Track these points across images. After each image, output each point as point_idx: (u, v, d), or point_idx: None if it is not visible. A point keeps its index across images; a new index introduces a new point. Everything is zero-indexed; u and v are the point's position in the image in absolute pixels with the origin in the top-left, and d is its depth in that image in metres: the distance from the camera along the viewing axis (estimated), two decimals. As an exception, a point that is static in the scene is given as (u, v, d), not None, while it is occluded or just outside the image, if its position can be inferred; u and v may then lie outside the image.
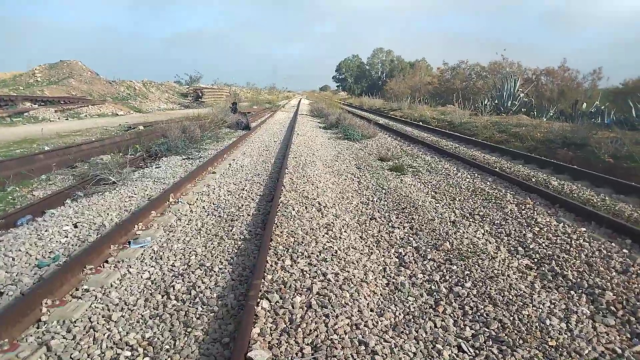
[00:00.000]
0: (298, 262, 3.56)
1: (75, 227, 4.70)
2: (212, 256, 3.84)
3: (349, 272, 3.47)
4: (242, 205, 5.43)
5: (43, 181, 7.12)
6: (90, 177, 6.93)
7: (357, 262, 3.72)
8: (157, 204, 5.20)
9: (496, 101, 23.43)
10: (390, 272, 3.58)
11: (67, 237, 4.39)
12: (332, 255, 3.79)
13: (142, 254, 3.92)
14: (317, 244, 4.04)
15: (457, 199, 5.89)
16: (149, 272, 3.56)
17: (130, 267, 3.63)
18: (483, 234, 4.53)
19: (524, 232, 4.53)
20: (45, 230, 4.52)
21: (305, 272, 3.39)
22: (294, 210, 5.14)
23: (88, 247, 4.00)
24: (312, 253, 3.79)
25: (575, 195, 6.01)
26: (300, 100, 55.63)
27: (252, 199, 5.76)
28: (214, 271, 3.51)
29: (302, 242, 4.05)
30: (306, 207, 5.29)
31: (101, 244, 3.81)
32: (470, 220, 5.01)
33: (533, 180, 6.80)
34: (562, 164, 7.64)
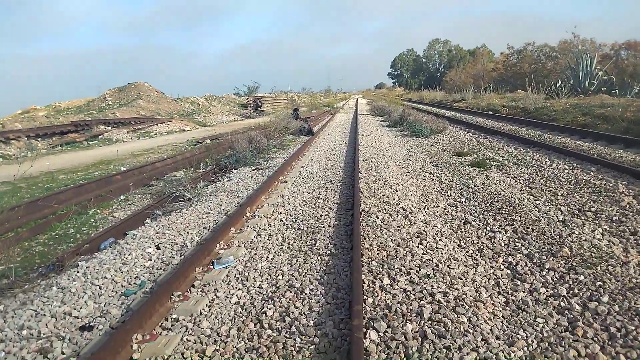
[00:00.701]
0: (398, 281, 3.18)
1: (158, 248, 4.62)
2: (300, 275, 3.55)
3: (458, 289, 3.03)
4: (322, 216, 5.13)
5: (122, 202, 7.25)
6: (167, 195, 6.95)
7: (464, 276, 3.26)
8: (235, 219, 5.03)
9: (571, 82, 21.69)
10: (506, 288, 3.09)
11: (150, 259, 4.30)
12: (433, 269, 3.37)
13: (227, 276, 3.71)
14: (414, 257, 3.63)
15: (560, 194, 5.23)
16: (237, 295, 3.33)
17: (217, 291, 3.42)
18: (603, 235, 3.90)
19: (654, 230, 3.85)
20: (129, 254, 4.46)
21: (409, 293, 2.99)
22: (378, 218, 4.76)
23: (173, 271, 3.86)
24: (410, 268, 3.39)
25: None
26: (357, 100, 55.14)
27: (330, 208, 5.45)
28: (306, 293, 3.20)
29: (397, 256, 3.66)
30: (390, 214, 4.89)
31: (186, 268, 3.64)
32: (583, 218, 4.36)
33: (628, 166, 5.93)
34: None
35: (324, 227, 4.71)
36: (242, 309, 3.11)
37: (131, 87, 28.44)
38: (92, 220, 6.22)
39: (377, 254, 3.73)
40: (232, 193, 6.90)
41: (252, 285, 3.49)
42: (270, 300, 3.18)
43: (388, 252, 3.75)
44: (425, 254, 3.68)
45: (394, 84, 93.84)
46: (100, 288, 3.69)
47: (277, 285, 3.41)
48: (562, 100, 17.56)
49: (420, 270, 3.34)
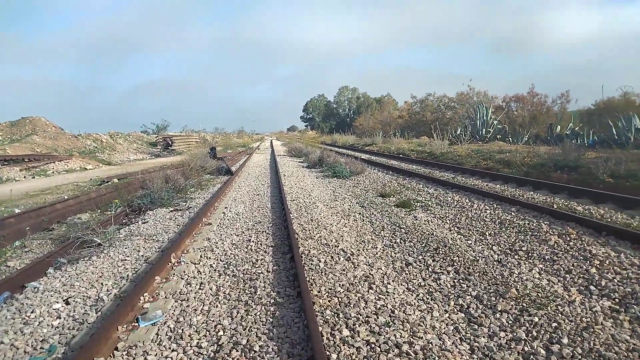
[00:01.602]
0: (358, 331, 2.93)
1: (67, 303, 3.94)
2: (244, 329, 3.16)
3: (421, 338, 2.86)
4: (257, 260, 4.77)
5: (17, 248, 6.26)
6: (72, 240, 6.13)
7: (423, 322, 3.11)
8: (159, 267, 4.49)
9: (470, 130, 23.67)
10: (466, 333, 2.98)
11: (59, 317, 3.63)
12: (390, 317, 3.18)
13: (157, 334, 3.21)
14: (367, 303, 3.43)
15: (487, 234, 5.41)
16: (171, 358, 2.86)
17: (147, 353, 2.92)
18: (540, 274, 4.02)
19: (584, 267, 4.05)
20: (31, 312, 3.75)
21: (373, 345, 2.76)
22: (320, 261, 4.53)
23: (90, 331, 3.27)
24: (367, 316, 3.17)
25: (610, 219, 5.64)
26: (271, 142, 55.41)
27: (265, 252, 5.11)
28: (255, 351, 2.83)
29: (349, 303, 3.43)
30: (332, 257, 4.69)
31: (107, 327, 3.08)
32: (517, 257, 4.50)
33: (554, 207, 6.40)
34: (579, 188, 7.32)
35: (262, 272, 4.36)
36: (182, 375, 2.66)
37: (25, 121, 25.89)
38: (-21, 271, 5.25)
39: (329, 301, 3.47)
40: (150, 237, 6.27)
41: (189, 344, 3.04)
42: (214, 362, 2.77)
43: (340, 299, 3.51)
44: (378, 300, 3.49)
45: (306, 127, 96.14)
46: (-6, 357, 3.00)
47: (219, 344, 2.99)
48: (464, 146, 19.00)
49: (378, 318, 3.13)
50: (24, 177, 16.01)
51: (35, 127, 25.24)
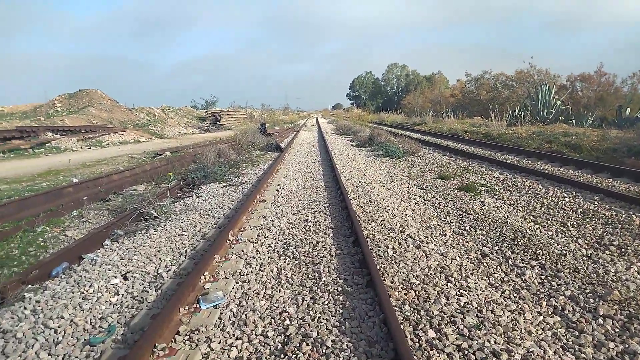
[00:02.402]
0: (445, 333, 2.60)
1: (126, 279, 3.83)
2: (312, 320, 2.90)
3: (519, 345, 2.49)
4: (318, 242, 4.50)
5: (75, 218, 6.31)
6: (129, 212, 6.10)
7: (516, 326, 2.74)
8: (217, 245, 4.30)
9: (530, 110, 22.33)
10: (567, 341, 2.59)
11: (118, 293, 3.51)
12: (477, 317, 2.83)
13: (219, 319, 3.01)
14: (449, 299, 3.08)
15: (570, 225, 4.89)
16: (237, 347, 2.64)
17: (210, 340, 2.71)
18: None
19: (696, 269, 3.51)
20: (90, 286, 3.65)
21: (466, 352, 2.42)
22: (388, 248, 4.20)
23: (150, 311, 3.11)
24: (452, 316, 2.82)
25: None
26: (317, 119, 55.09)
27: (325, 233, 4.84)
28: (327, 347, 2.56)
29: (429, 298, 3.09)
30: (400, 244, 4.35)
31: (169, 309, 2.90)
32: (608, 253, 3.99)
33: (633, 196, 5.72)
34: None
35: (325, 256, 4.09)
36: (249, 370, 2.43)
37: (82, 93, 26.77)
38: (41, 239, 5.29)
39: (406, 295, 3.15)
40: (206, 212, 6.15)
41: (254, 332, 2.81)
42: (282, 356, 2.52)
43: (417, 293, 3.18)
44: (460, 296, 3.14)
45: (352, 104, 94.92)
46: (56, 332, 2.89)
47: (287, 334, 2.74)
48: (525, 127, 17.92)
49: (464, 318, 2.78)
50: (81, 147, 16.53)
51: (92, 100, 26.05)
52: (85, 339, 2.79)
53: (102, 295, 3.47)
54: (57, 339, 2.81)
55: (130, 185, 8.64)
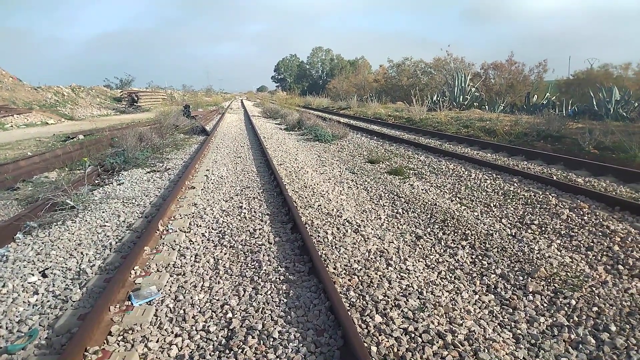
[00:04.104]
0: (391, 317, 2.62)
1: (45, 276, 3.48)
2: (256, 311, 2.80)
3: (462, 325, 2.58)
4: (255, 230, 4.39)
5: (-22, 210, 5.63)
6: (41, 202, 5.55)
7: (455, 307, 2.83)
8: (147, 236, 4.04)
9: (446, 97, 23.49)
10: (503, 319, 2.73)
11: (37, 293, 3.18)
12: (419, 299, 2.89)
13: (155, 315, 2.82)
14: (391, 283, 3.12)
15: (493, 205, 5.19)
16: (177, 346, 2.49)
17: (147, 340, 2.53)
18: (560, 250, 3.81)
19: (605, 244, 3.86)
20: (3, 285, 3.28)
21: (413, 335, 2.45)
22: (327, 234, 4.18)
23: (76, 312, 2.84)
24: (396, 299, 2.86)
25: (616, 192, 5.51)
26: (242, 102, 53.94)
27: (262, 220, 4.73)
28: (275, 338, 2.49)
29: (372, 283, 3.11)
30: (338, 229, 4.35)
31: (97, 308, 2.66)
32: (530, 232, 4.29)
33: (554, 178, 6.21)
34: (575, 159, 7.14)
35: (263, 244, 3.98)
36: (192, 370, 2.30)
37: (-22, 69, 23.91)
38: None
39: (349, 280, 3.15)
40: (129, 200, 5.77)
41: (194, 327, 2.67)
42: (227, 351, 2.41)
43: (360, 278, 3.19)
44: (401, 279, 3.19)
45: (277, 87, 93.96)
46: (-37, 343, 2.55)
47: (231, 328, 2.63)
48: (443, 113, 18.81)
49: (407, 301, 2.83)
50: (-21, 130, 14.82)
51: (-10, 77, 23.37)
52: (1, 347, 2.49)
53: (19, 295, 3.13)
54: (-34, 349, 2.47)
55: (40, 172, 7.88)
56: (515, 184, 6.00)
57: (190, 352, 2.43)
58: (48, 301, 3.05)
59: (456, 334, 2.45)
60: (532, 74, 24.94)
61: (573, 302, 2.89)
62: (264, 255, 3.73)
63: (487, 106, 21.80)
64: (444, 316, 2.68)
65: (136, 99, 32.62)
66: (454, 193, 5.86)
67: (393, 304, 2.78)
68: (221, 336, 2.56)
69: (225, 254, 3.83)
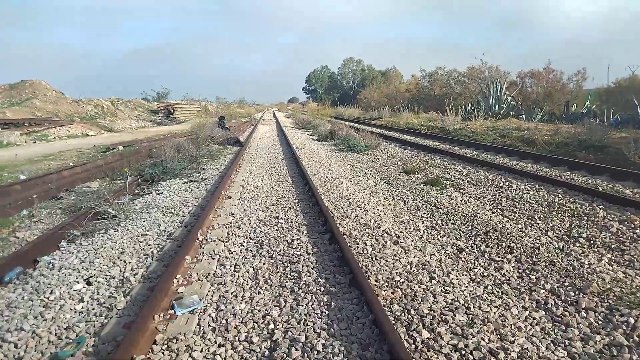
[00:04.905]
0: (439, 333, 2.54)
1: (89, 284, 3.55)
2: (298, 323, 2.77)
3: (513, 343, 2.47)
4: (293, 240, 4.37)
5: (25, 217, 5.84)
6: (85, 211, 5.71)
7: (505, 323, 2.72)
8: (188, 245, 4.08)
9: (481, 106, 23.07)
10: (556, 336, 2.60)
11: (82, 300, 3.24)
12: (466, 314, 2.79)
13: (198, 325, 2.82)
14: (436, 297, 3.03)
15: (537, 217, 5.01)
16: (220, 356, 2.47)
17: (191, 349, 2.54)
18: (612, 265, 3.63)
19: (662, 259, 3.65)
20: (50, 292, 3.36)
21: (463, 353, 2.36)
22: (366, 245, 4.13)
23: (121, 320, 2.88)
24: (442, 314, 2.77)
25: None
26: (274, 113, 54.59)
27: (299, 230, 4.71)
28: (319, 351, 2.44)
29: (416, 297, 3.03)
30: (377, 240, 4.29)
31: (143, 317, 2.69)
32: (578, 245, 4.11)
33: (599, 189, 5.96)
34: (622, 170, 6.84)
35: (302, 254, 3.96)
36: (237, 380, 2.29)
37: (25, 84, 25.09)
38: (-13, 242, 4.84)
39: (392, 293, 3.08)
40: (169, 210, 5.86)
41: (237, 338, 2.65)
42: (272, 364, 2.38)
43: (403, 291, 3.11)
44: (446, 293, 3.10)
45: (308, 98, 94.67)
46: (16, 347, 2.61)
47: (274, 339, 2.60)
48: (479, 122, 18.46)
49: (455, 316, 2.74)
50: (25, 141, 15.48)
51: (36, 91, 24.49)
52: (51, 353, 2.54)
53: (66, 302, 3.19)
54: (19, 354, 2.54)
55: (82, 182, 8.13)
56: (559, 196, 5.78)
57: (234, 364, 2.42)
58: (93, 309, 3.10)
59: (509, 352, 2.35)
60: (571, 82, 24.20)
61: (632, 320, 2.73)
62: (303, 265, 3.70)
63: (524, 115, 21.26)
64: (494, 333, 2.57)
65: (172, 111, 33.52)
66: (494, 204, 5.70)
67: (440, 319, 2.69)
68: (264, 347, 2.54)
69: (264, 264, 3.82)
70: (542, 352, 2.40)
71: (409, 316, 2.74)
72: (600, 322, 2.76)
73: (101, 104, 29.47)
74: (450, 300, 2.97)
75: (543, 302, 3.03)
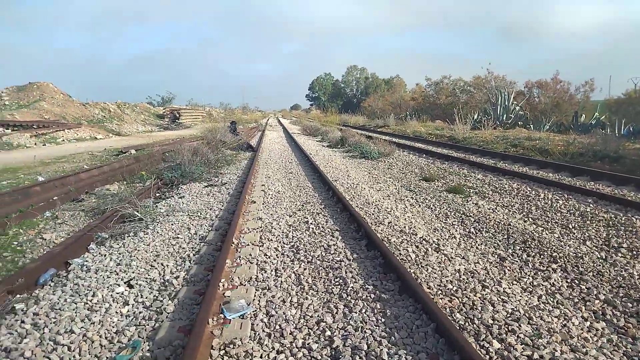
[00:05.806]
0: (511, 343, 2.47)
1: (131, 287, 3.49)
2: (355, 330, 2.70)
3: (586, 354, 2.40)
4: (330, 246, 4.30)
5: (49, 219, 5.78)
6: (109, 213, 5.65)
7: (569, 333, 2.65)
8: (225, 249, 4.02)
9: (489, 115, 23.06)
10: (627, 349, 2.52)
11: (127, 303, 3.18)
12: (530, 324, 2.72)
13: (252, 330, 2.76)
14: (495, 306, 2.96)
15: (572, 227, 4.94)
16: (282, 363, 2.41)
17: (252, 355, 2.47)
18: (662, 276, 3.57)
19: None
20: (92, 295, 3.29)
21: (539, 365, 2.30)
22: (408, 252, 4.06)
23: (174, 323, 2.81)
24: (507, 324, 2.70)
25: None
26: (278, 119, 54.62)
27: (332, 236, 4.65)
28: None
29: (475, 305, 2.96)
30: (417, 247, 4.22)
31: (199, 322, 2.62)
32: (621, 255, 4.04)
33: (628, 199, 5.89)
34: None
35: (342, 260, 3.89)
36: (306, 389, 2.21)
37: (32, 87, 25.06)
38: (15, 243, 4.77)
39: (450, 301, 3.01)
40: (194, 213, 5.81)
41: (294, 344, 2.59)
42: (339, 373, 2.31)
43: (460, 300, 3.05)
44: (504, 302, 3.03)
45: (311, 105, 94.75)
46: (70, 350, 2.55)
47: (334, 347, 2.54)
48: (488, 131, 18.44)
49: (520, 326, 2.67)
50: (35, 144, 15.47)
51: (43, 93, 24.47)
52: (107, 357, 2.47)
53: (110, 305, 3.13)
54: (74, 357, 2.47)
55: (101, 185, 8.08)
56: (590, 205, 5.72)
57: (300, 374, 2.35)
58: (140, 312, 3.03)
59: (584, 365, 2.28)
60: (578, 93, 24.25)
61: (700, 333, 2.66)
62: (346, 272, 3.63)
63: (532, 125, 21.27)
64: (564, 343, 2.50)
65: (178, 116, 33.50)
66: (524, 213, 5.63)
67: (507, 329, 2.62)
68: (325, 355, 2.47)
69: (304, 269, 3.75)
70: (617, 365, 2.33)
71: (474, 326, 2.67)
72: (666, 335, 2.69)
73: (108, 108, 29.46)
74: (510, 310, 2.89)
75: (601, 313, 2.96)
